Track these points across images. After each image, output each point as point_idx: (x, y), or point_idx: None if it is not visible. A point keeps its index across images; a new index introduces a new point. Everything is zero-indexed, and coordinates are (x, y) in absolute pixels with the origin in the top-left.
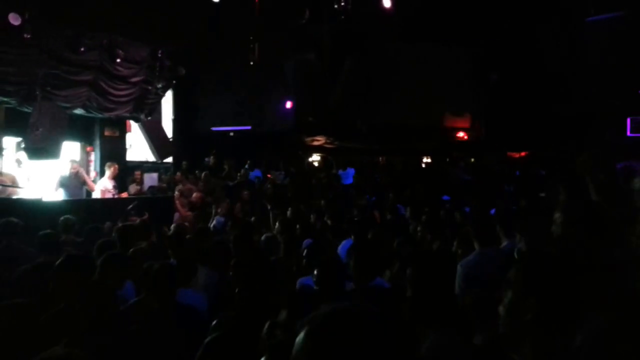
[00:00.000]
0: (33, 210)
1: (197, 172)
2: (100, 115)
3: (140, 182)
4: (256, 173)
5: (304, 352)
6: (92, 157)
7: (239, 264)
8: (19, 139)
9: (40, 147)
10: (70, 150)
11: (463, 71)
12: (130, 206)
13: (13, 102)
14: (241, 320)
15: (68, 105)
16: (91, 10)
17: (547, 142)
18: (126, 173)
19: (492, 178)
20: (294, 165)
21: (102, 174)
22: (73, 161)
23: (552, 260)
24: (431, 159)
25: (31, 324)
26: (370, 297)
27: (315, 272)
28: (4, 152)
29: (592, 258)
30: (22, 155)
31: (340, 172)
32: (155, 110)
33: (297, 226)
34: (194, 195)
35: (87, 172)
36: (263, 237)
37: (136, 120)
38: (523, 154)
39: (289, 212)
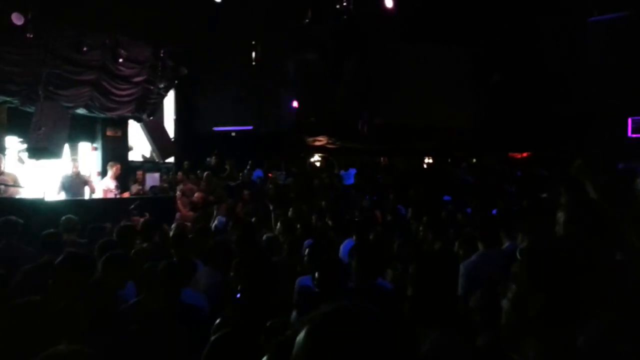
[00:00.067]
0: (35, 209)
1: (198, 172)
2: (102, 115)
3: (142, 182)
4: (258, 173)
5: (305, 352)
6: (94, 156)
7: (241, 264)
8: (21, 139)
9: (43, 146)
10: (76, 150)
11: (464, 71)
12: (132, 206)
13: (16, 101)
14: (245, 320)
15: (70, 105)
16: (94, 10)
17: (548, 142)
18: (128, 173)
19: (494, 179)
20: (295, 165)
21: (104, 173)
22: (75, 160)
23: (558, 256)
24: (433, 159)
25: (37, 322)
26: (371, 297)
27: (315, 273)
28: (7, 152)
29: (592, 258)
30: (25, 154)
31: (342, 172)
32: (157, 110)
33: (298, 226)
34: (196, 195)
35: (89, 172)
36: (264, 237)
37: (138, 120)
38: (525, 154)
39: (290, 212)
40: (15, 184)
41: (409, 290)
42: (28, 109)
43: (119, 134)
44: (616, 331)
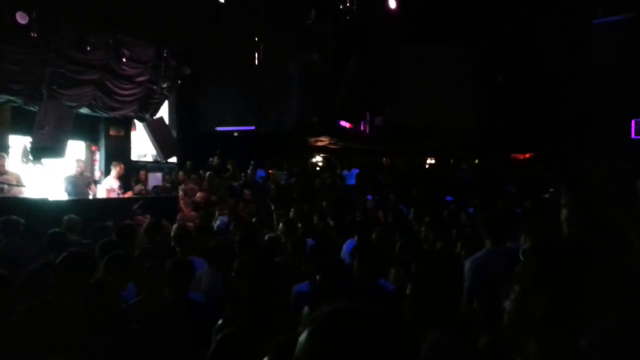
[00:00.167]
0: (38, 209)
1: (201, 172)
2: (105, 115)
3: (145, 182)
4: (260, 173)
5: (306, 352)
6: (97, 156)
7: (243, 264)
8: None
9: (46, 146)
10: (76, 149)
11: (466, 72)
12: (136, 205)
13: (19, 101)
14: (247, 321)
15: (74, 104)
16: (97, 10)
17: (550, 143)
18: (131, 173)
19: (495, 179)
20: (297, 165)
21: (107, 173)
22: (79, 161)
23: (560, 257)
24: (434, 159)
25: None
26: (373, 297)
27: (317, 273)
28: (10, 150)
29: (594, 258)
30: (28, 153)
31: (345, 172)
32: (159, 110)
33: (299, 226)
34: (198, 195)
35: (92, 172)
36: (266, 237)
37: (141, 120)
38: (527, 155)
39: (292, 213)
40: (19, 184)
41: (409, 289)
42: (31, 108)
43: (122, 133)
44: (619, 332)
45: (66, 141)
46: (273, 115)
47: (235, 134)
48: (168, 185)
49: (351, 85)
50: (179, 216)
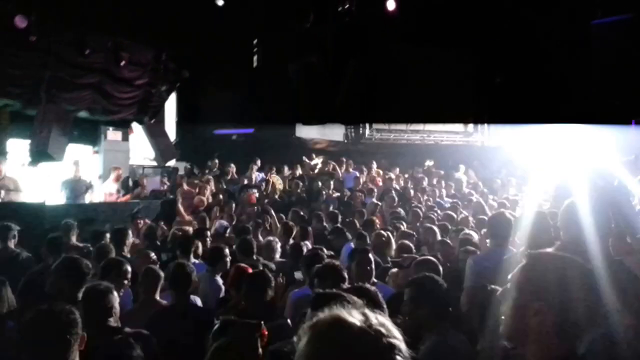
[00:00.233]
0: (36, 214)
1: (199, 175)
2: (104, 118)
3: (143, 186)
4: (259, 176)
5: (306, 358)
6: (96, 159)
7: (239, 270)
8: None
9: (45, 149)
10: (77, 153)
11: (466, 73)
12: (136, 209)
13: (18, 104)
14: (244, 326)
15: (73, 107)
16: (96, 14)
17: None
18: (131, 176)
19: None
20: (296, 168)
21: (105, 177)
22: (76, 165)
23: (559, 262)
24: (434, 161)
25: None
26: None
27: (315, 278)
28: (8, 155)
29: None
30: (27, 158)
31: (345, 175)
32: (158, 113)
33: (297, 229)
34: (196, 198)
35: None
36: (264, 241)
37: (140, 123)
38: None
39: (290, 216)
40: (16, 188)
41: (406, 294)
42: (30, 112)
43: (121, 137)
44: (618, 337)
45: (65, 145)
46: (272, 117)
47: (234, 136)
48: (166, 189)
49: (351, 86)
50: (177, 219)
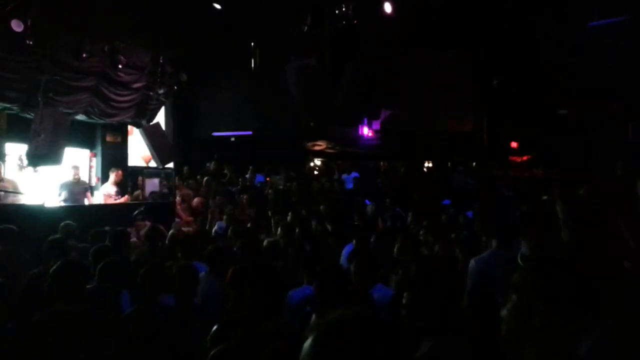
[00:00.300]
0: (35, 216)
1: (198, 177)
2: (102, 121)
3: (142, 188)
4: (259, 178)
5: (311, 358)
6: (94, 162)
7: (238, 272)
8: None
9: (43, 153)
10: (76, 156)
11: (464, 75)
12: (137, 211)
13: (15, 108)
14: (244, 329)
15: (70, 111)
16: (93, 17)
17: (549, 146)
18: (128, 179)
19: (493, 183)
20: (295, 170)
21: (104, 179)
22: (75, 167)
23: (560, 265)
24: (432, 163)
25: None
26: (371, 303)
27: (316, 279)
28: (6, 158)
29: (594, 264)
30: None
31: (344, 176)
32: (156, 116)
33: (297, 231)
34: (195, 200)
35: (89, 178)
36: (266, 242)
37: (138, 126)
38: (525, 158)
39: (289, 217)
40: (15, 191)
41: (405, 298)
42: (27, 116)
43: (119, 139)
44: (624, 340)
45: (63, 148)
46: (270, 120)
47: (233, 139)
48: (165, 190)
49: (348, 89)
50: (175, 221)
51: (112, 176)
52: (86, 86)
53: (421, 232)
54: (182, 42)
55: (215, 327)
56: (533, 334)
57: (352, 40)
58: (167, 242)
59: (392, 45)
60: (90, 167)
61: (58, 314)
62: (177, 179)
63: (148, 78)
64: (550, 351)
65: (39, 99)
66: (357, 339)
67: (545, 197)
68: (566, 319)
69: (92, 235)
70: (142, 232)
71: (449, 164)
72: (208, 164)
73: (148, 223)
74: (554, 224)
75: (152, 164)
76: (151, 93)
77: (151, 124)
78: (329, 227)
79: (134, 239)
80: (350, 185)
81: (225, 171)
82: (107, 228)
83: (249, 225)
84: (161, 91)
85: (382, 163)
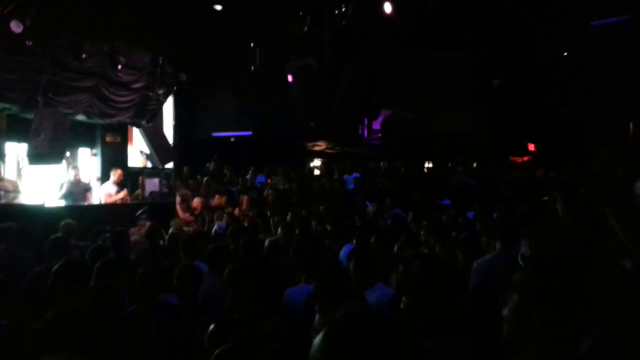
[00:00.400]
0: (35, 215)
1: (198, 177)
2: (101, 121)
3: (142, 188)
4: (259, 179)
5: (321, 353)
6: (94, 162)
7: (236, 271)
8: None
9: (43, 153)
10: (76, 156)
11: (464, 76)
12: (140, 211)
13: (15, 108)
14: (244, 329)
15: (70, 111)
16: (93, 17)
17: (549, 146)
18: (128, 178)
19: (493, 183)
20: (295, 170)
21: (103, 179)
22: (75, 167)
23: (561, 265)
24: (433, 164)
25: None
26: (370, 301)
27: (315, 279)
28: (6, 158)
29: (595, 264)
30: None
31: (346, 176)
32: (156, 116)
33: (297, 231)
34: (195, 200)
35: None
36: (267, 242)
37: (137, 126)
38: (525, 158)
39: (289, 217)
40: (15, 190)
41: (403, 302)
42: (27, 116)
43: (119, 139)
44: (625, 340)
45: (63, 148)
46: (270, 120)
47: (232, 139)
48: (165, 190)
49: (348, 89)
50: (175, 220)
51: (113, 175)
52: (86, 86)
53: (422, 233)
54: (182, 42)
55: (212, 326)
56: (533, 334)
57: (352, 40)
58: (167, 241)
59: (392, 45)
60: (90, 167)
61: (69, 312)
62: (177, 179)
63: (147, 78)
64: (551, 351)
65: (39, 99)
66: (368, 334)
67: (545, 197)
68: (566, 319)
69: (93, 234)
70: (144, 231)
71: (449, 164)
72: (208, 164)
73: (148, 223)
74: (554, 224)
75: (149, 164)
76: (151, 93)
77: (151, 124)
78: (328, 227)
79: (136, 238)
80: (351, 186)
81: (225, 171)
82: (107, 228)
83: (245, 224)
84: (161, 91)
85: (382, 163)
